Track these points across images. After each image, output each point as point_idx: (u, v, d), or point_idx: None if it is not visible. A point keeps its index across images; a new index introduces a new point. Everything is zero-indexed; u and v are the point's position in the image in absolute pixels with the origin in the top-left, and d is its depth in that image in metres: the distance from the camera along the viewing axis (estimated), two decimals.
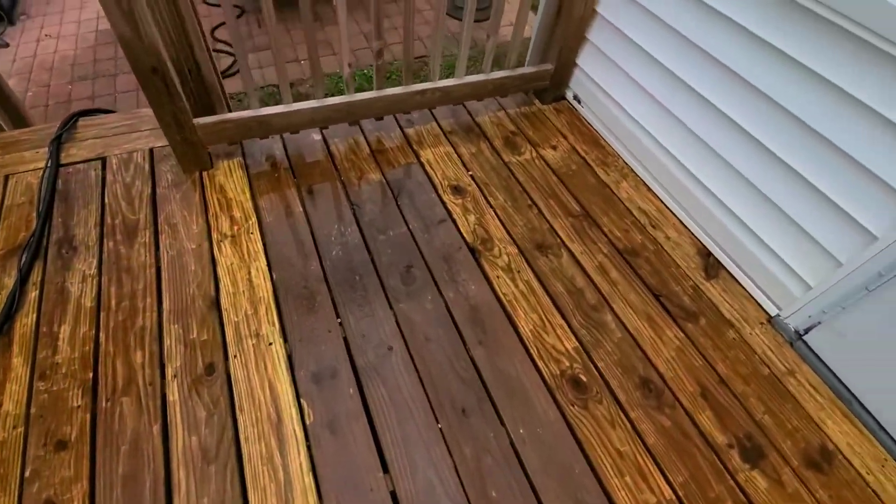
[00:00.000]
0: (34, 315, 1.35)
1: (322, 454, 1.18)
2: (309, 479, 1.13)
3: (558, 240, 1.65)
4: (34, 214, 1.57)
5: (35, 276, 1.43)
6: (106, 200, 1.63)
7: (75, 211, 1.60)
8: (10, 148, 1.75)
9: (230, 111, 1.72)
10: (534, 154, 1.93)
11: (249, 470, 1.15)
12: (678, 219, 1.74)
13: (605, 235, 1.67)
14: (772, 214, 1.41)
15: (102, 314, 1.38)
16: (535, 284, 1.53)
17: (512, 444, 1.22)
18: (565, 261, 1.59)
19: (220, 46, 3.75)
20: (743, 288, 1.56)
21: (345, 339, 1.37)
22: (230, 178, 1.73)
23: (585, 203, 1.77)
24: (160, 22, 1.40)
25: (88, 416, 1.20)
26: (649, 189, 1.83)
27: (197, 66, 1.53)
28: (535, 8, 2.02)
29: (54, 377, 1.25)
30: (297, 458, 1.17)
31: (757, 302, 1.53)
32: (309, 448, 1.19)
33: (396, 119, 2.01)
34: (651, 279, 1.57)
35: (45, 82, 3.43)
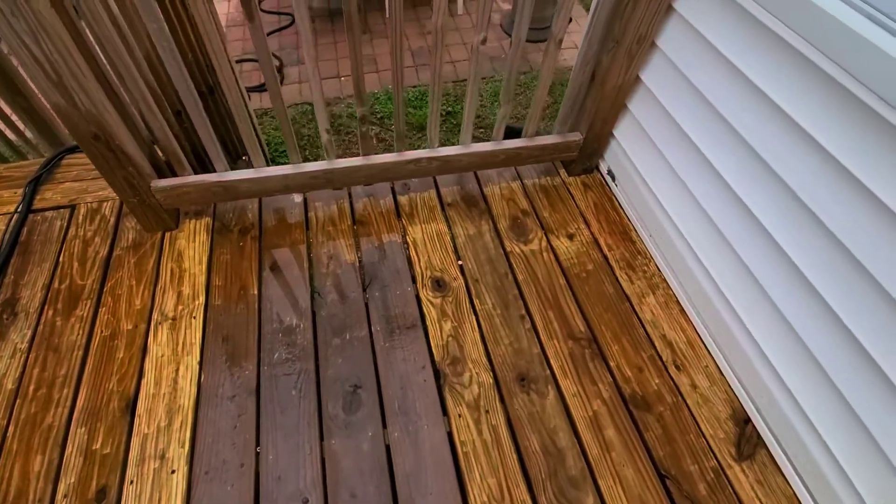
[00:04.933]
0: None
1: None
2: None
3: (548, 371, 1.32)
4: None
5: None
6: (61, 259, 1.52)
7: (29, 268, 1.50)
8: None
9: (235, 164, 1.54)
10: (544, 243, 1.59)
11: None
12: (714, 360, 1.34)
13: (611, 373, 1.32)
14: (846, 417, 1.00)
15: (18, 401, 1.25)
16: (504, 434, 1.22)
17: None
18: (551, 404, 1.27)
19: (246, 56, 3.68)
20: (787, 482, 1.16)
21: (256, 478, 1.15)
22: (191, 244, 1.56)
23: (594, 322, 1.41)
24: (122, 81, 1.23)
25: None
26: (682, 311, 1.44)
27: (151, 130, 1.36)
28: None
29: None
30: None
31: None
32: None
33: (392, 183, 1.75)
34: (660, 449, 1.20)
35: None
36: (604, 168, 1.74)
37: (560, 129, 1.66)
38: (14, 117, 2.14)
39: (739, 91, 1.10)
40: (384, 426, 1.23)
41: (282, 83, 3.54)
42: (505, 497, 1.13)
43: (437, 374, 1.31)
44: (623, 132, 1.59)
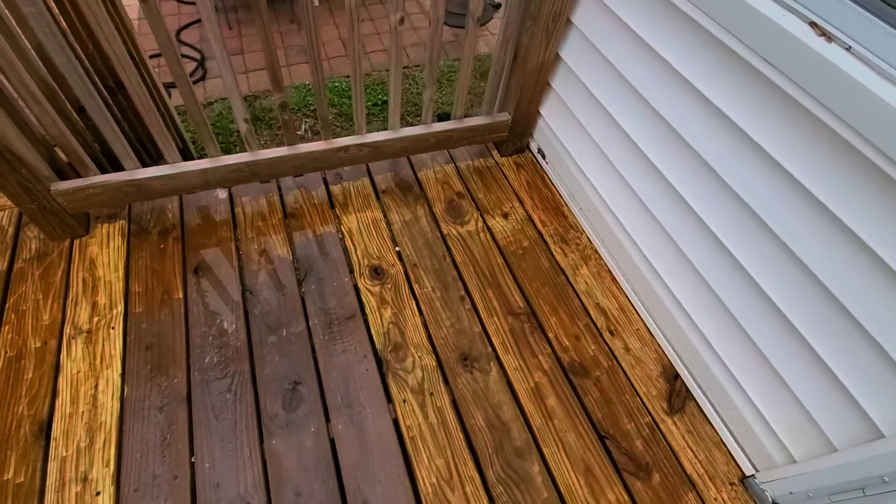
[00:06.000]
0: None
1: None
2: None
3: (489, 349, 1.34)
4: None
5: None
6: None
7: None
8: None
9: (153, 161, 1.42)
10: (480, 224, 1.60)
11: None
12: (644, 323, 1.41)
13: (550, 344, 1.35)
14: (757, 362, 1.08)
15: None
16: (450, 414, 1.22)
17: None
18: (493, 380, 1.28)
19: (185, 50, 3.46)
20: (714, 430, 1.24)
21: (192, 489, 1.09)
22: (105, 250, 1.44)
23: (532, 296, 1.44)
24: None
25: None
26: (614, 279, 1.49)
27: (45, 127, 1.23)
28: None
29: None
30: None
31: (729, 452, 1.21)
32: None
33: (322, 173, 1.69)
34: (598, 411, 1.25)
35: None
36: (534, 147, 1.78)
37: (489, 111, 1.67)
38: None
39: (647, 63, 1.15)
40: (327, 420, 1.20)
41: (205, 77, 3.34)
42: (453, 476, 1.13)
43: (380, 362, 1.29)
44: (549, 110, 1.62)
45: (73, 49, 1.18)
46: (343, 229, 1.56)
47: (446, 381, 1.27)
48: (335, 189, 1.66)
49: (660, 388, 1.30)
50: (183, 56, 3.44)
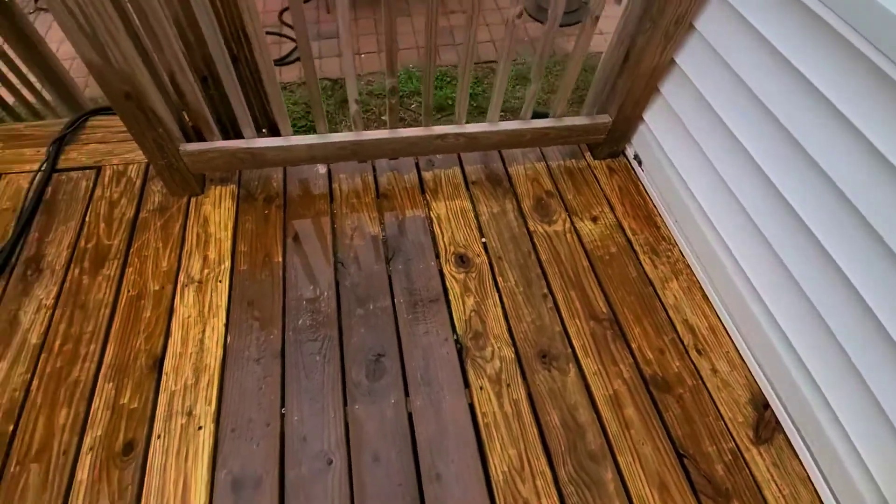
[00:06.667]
0: None
1: None
2: None
3: (569, 349, 1.33)
4: (12, 224, 1.49)
5: None
6: (87, 219, 1.52)
7: (54, 226, 1.51)
8: (13, 142, 1.70)
9: (261, 132, 1.54)
10: (567, 225, 1.59)
11: None
12: (735, 346, 1.35)
13: (632, 354, 1.33)
14: (865, 401, 1.01)
15: (43, 356, 1.27)
16: (525, 408, 1.23)
17: None
18: (571, 381, 1.28)
19: (284, 31, 3.65)
20: (802, 466, 1.17)
21: (282, 437, 1.17)
22: (217, 210, 1.57)
23: (617, 303, 1.42)
24: (151, 42, 1.22)
25: None
26: (705, 297, 1.44)
27: (181, 93, 1.35)
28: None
29: None
30: None
31: (816, 491, 1.14)
32: None
33: (416, 158, 1.74)
34: (679, 428, 1.22)
35: None
36: (630, 152, 1.74)
37: (589, 111, 1.65)
38: (32, 79, 2.13)
39: (781, 77, 1.09)
40: (406, 395, 1.24)
41: (299, 57, 3.51)
42: (525, 468, 1.14)
43: (460, 347, 1.32)
44: (654, 116, 1.58)
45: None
46: (432, 215, 1.60)
47: (524, 375, 1.28)
48: (427, 175, 1.70)
49: (747, 415, 1.24)
50: (282, 35, 3.63)
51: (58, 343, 1.29)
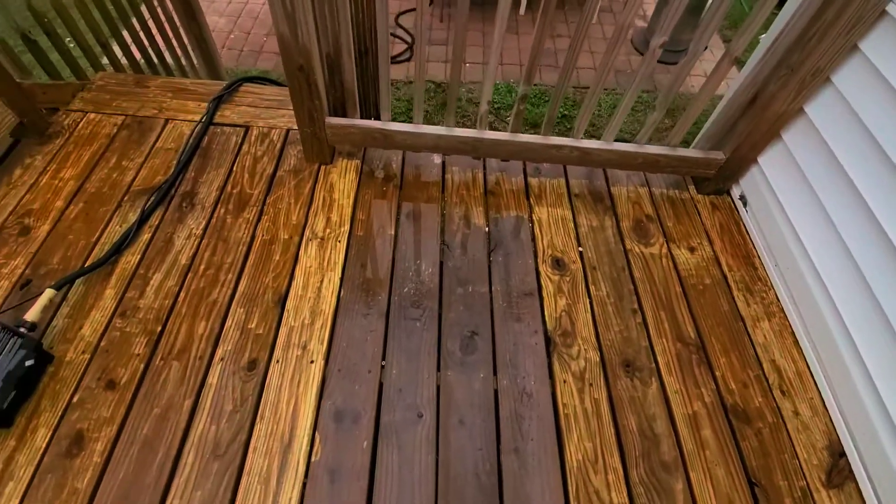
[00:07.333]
0: (138, 256, 1.49)
1: (313, 498, 1.12)
2: None
3: (653, 364, 1.38)
4: (174, 162, 1.73)
5: (154, 219, 1.58)
6: (234, 168, 1.74)
7: (207, 170, 1.73)
8: (181, 94, 1.97)
9: (368, 117, 1.72)
10: (664, 250, 1.65)
11: (245, 482, 1.14)
12: (819, 393, 1.36)
13: (715, 381, 1.36)
14: None
15: (190, 275, 1.47)
16: (605, 408, 1.30)
17: None
18: (652, 393, 1.33)
19: (399, 33, 3.91)
20: None
21: (380, 385, 1.30)
22: (342, 179, 1.74)
23: (705, 331, 1.46)
24: (319, 25, 1.42)
25: (142, 366, 1.29)
26: (796, 342, 1.45)
27: (341, 71, 1.54)
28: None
29: (131, 319, 1.37)
30: (290, 491, 1.13)
31: None
32: (304, 486, 1.15)
33: (524, 164, 1.86)
34: (753, 459, 1.24)
35: (247, 29, 3.87)
36: (736, 192, 1.77)
37: (701, 145, 1.71)
38: (186, 42, 2.44)
39: None
40: (494, 373, 1.34)
41: (410, 58, 3.75)
42: (599, 461, 1.21)
43: (548, 340, 1.41)
44: (769, 161, 1.61)
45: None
46: (534, 217, 1.70)
47: (606, 379, 1.35)
48: (532, 181, 1.81)
49: (822, 459, 1.25)
50: (395, 36, 3.88)
51: (202, 267, 1.49)
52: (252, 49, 3.70)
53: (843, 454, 1.26)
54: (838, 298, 1.34)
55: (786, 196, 1.54)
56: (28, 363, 1.17)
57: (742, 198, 1.74)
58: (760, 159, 1.64)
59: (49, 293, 1.29)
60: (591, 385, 1.33)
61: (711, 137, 1.69)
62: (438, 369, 1.34)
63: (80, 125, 1.82)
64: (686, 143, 1.75)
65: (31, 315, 1.25)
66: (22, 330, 1.21)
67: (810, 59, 1.34)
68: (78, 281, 1.41)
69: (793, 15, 1.34)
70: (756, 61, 1.48)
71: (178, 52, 2.47)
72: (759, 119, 1.52)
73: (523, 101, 1.58)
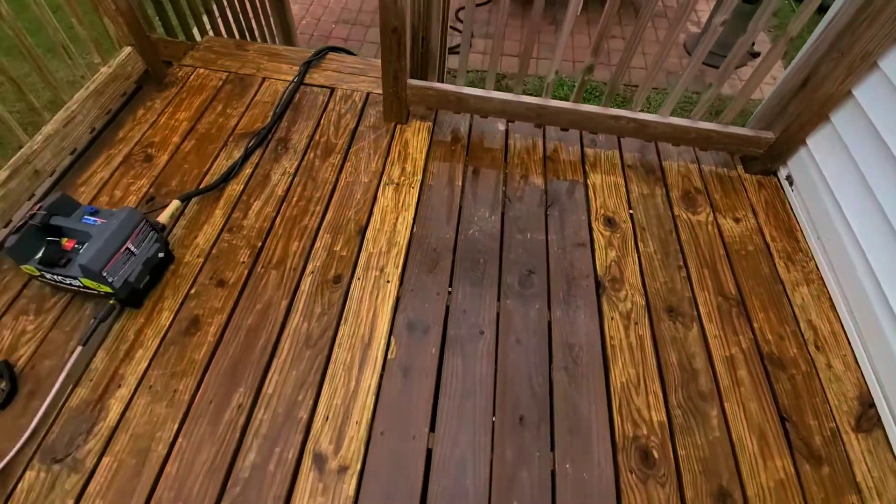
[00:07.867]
0: (242, 186, 1.72)
1: (389, 388, 1.30)
2: (370, 401, 1.27)
3: (695, 312, 1.51)
4: (271, 113, 1.97)
5: (254, 158, 1.81)
6: (321, 122, 1.96)
7: (298, 121, 1.96)
8: (275, 58, 2.21)
9: (440, 81, 1.92)
10: (710, 218, 1.77)
11: (332, 369, 1.33)
12: (853, 351, 1.45)
13: (753, 332, 1.48)
14: None
15: (284, 204, 1.69)
16: (648, 344, 1.43)
17: (553, 473, 1.19)
18: (693, 336, 1.46)
19: (457, 25, 4.12)
20: (895, 458, 1.26)
21: (447, 306, 1.47)
22: (415, 137, 1.94)
23: (746, 289, 1.58)
24: None
25: (246, 272, 1.50)
26: (833, 307, 1.55)
27: (428, 36, 1.74)
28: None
29: (237, 234, 1.59)
30: (370, 379, 1.32)
31: None
32: (381, 377, 1.33)
33: (581, 135, 2.01)
34: (786, 399, 1.35)
35: (318, 16, 4.17)
36: (783, 173, 1.88)
37: (754, 124, 1.82)
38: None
39: None
40: (548, 308, 1.50)
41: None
42: (641, 384, 1.35)
43: (598, 284, 1.55)
44: (817, 142, 1.72)
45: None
46: (588, 182, 1.86)
47: (651, 320, 1.48)
48: (588, 151, 1.97)
49: (851, 407, 1.35)
50: (454, 29, 4.09)
51: (295, 198, 1.70)
52: (321, 34, 3.98)
53: (872, 405, 1.36)
54: (878, 269, 1.44)
55: (833, 176, 1.64)
56: (161, 255, 1.40)
57: (789, 178, 1.84)
58: (808, 140, 1.75)
59: (176, 203, 1.53)
60: (636, 324, 1.47)
61: (763, 118, 1.81)
62: (499, 298, 1.50)
63: (191, 78, 2.08)
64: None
65: (163, 217, 1.48)
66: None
67: (859, 42, 1.46)
68: (193, 200, 1.65)
69: (845, 1, 1.46)
70: (810, 44, 1.59)
71: (265, 28, 2.74)
72: (810, 100, 1.63)
73: (590, 72, 1.74)
